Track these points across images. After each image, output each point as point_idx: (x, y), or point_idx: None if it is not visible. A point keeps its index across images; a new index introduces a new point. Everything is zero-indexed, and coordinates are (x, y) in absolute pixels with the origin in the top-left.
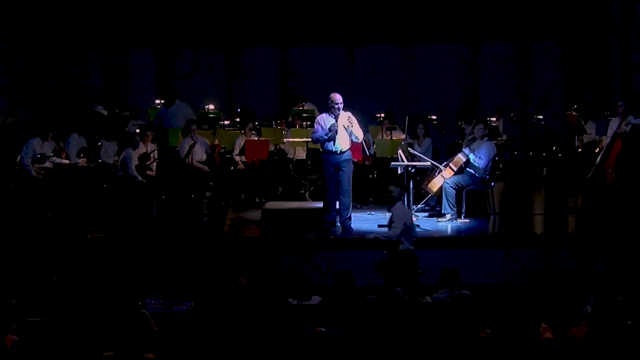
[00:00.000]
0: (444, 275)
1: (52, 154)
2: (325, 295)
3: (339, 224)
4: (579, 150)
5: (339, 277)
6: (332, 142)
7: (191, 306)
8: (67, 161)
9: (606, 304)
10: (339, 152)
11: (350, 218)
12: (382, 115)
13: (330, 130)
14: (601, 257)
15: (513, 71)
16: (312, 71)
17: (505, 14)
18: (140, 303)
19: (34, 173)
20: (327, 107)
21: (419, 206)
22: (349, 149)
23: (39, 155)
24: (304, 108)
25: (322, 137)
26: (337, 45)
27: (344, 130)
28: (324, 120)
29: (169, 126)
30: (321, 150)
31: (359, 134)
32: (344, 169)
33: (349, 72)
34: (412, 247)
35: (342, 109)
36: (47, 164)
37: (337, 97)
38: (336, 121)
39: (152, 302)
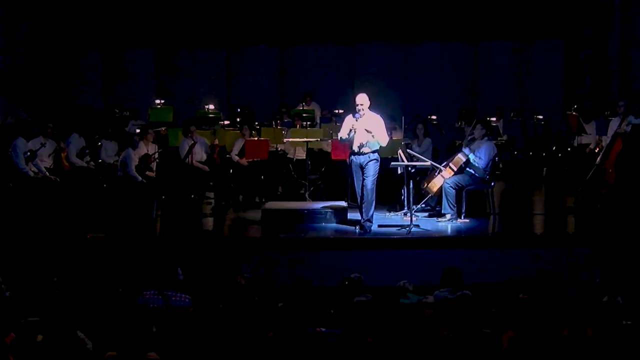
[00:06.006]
0: (446, 274)
1: (40, 146)
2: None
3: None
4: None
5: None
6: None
7: (190, 305)
8: (37, 170)
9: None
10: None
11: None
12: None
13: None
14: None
15: (513, 71)
16: (312, 70)
17: (505, 13)
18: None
19: (31, 174)
20: (328, 106)
21: (419, 206)
22: (372, 151)
23: (28, 153)
24: (304, 108)
25: (342, 138)
26: (337, 45)
27: (365, 132)
28: (347, 120)
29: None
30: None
31: (382, 139)
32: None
33: (350, 71)
34: None
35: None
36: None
37: (356, 99)
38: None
39: (149, 293)
